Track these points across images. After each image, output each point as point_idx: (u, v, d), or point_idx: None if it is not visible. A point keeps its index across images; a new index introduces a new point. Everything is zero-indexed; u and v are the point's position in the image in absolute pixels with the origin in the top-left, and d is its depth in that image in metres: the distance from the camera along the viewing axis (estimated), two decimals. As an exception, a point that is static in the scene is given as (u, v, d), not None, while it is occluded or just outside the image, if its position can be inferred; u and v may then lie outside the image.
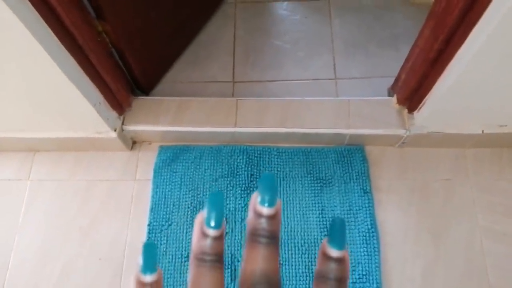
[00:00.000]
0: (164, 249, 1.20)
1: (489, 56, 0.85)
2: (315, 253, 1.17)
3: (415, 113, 1.18)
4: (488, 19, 0.78)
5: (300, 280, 1.14)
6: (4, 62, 0.91)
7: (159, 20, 1.26)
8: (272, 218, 0.24)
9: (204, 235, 0.25)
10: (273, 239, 0.24)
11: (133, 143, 1.36)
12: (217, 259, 0.25)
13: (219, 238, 0.25)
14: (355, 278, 1.13)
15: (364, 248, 1.17)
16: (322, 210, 1.22)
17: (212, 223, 0.24)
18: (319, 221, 1.21)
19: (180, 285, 1.15)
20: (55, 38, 0.88)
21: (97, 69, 1.07)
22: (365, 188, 1.24)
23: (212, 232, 0.24)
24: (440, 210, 1.21)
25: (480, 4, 0.78)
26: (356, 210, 1.22)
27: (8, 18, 0.76)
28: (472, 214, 1.20)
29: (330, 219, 0.25)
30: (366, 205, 1.22)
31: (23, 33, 0.80)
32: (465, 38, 0.85)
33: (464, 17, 0.83)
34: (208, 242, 0.24)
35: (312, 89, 1.40)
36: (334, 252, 0.23)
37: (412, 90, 1.12)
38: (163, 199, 1.26)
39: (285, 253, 1.17)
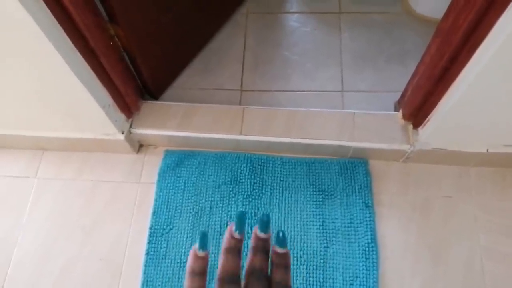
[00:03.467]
0: (164, 252, 1.21)
1: (493, 76, 0.86)
2: (314, 265, 1.17)
3: (419, 129, 1.18)
4: (493, 40, 0.78)
5: (297, 290, 1.14)
6: (17, 62, 0.94)
7: (171, 26, 1.28)
8: (266, 240, 0.38)
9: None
10: (266, 252, 0.38)
11: (140, 146, 1.38)
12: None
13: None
14: (353, 292, 1.13)
15: (363, 262, 1.16)
16: (323, 222, 1.23)
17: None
18: (320, 232, 1.21)
19: (177, 289, 1.16)
20: (68, 40, 0.91)
21: (107, 72, 1.10)
22: (367, 202, 1.24)
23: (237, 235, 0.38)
24: (441, 227, 1.20)
25: (485, 24, 0.78)
26: (357, 223, 1.22)
27: (23, 19, 0.78)
28: (473, 233, 1.19)
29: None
30: (367, 219, 1.22)
31: (37, 35, 0.82)
32: (470, 57, 0.86)
33: (469, 36, 0.84)
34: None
35: (318, 100, 1.41)
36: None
37: (417, 106, 1.12)
38: (166, 203, 1.28)
39: (283, 263, 1.17)
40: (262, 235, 0.37)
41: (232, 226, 0.38)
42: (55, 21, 0.86)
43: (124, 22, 1.07)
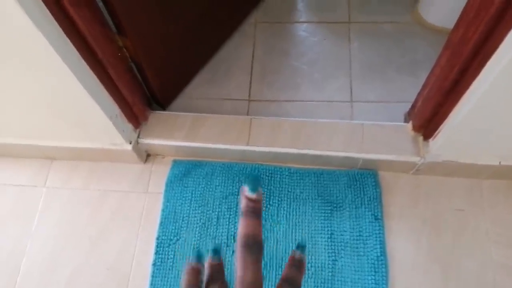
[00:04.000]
0: (171, 263, 1.20)
1: (504, 88, 0.84)
2: (322, 278, 1.15)
3: (430, 140, 1.16)
4: (503, 52, 0.77)
5: (304, 304, 1.12)
6: (25, 73, 0.94)
7: (179, 37, 1.29)
8: (257, 201, 0.34)
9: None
10: (258, 214, 0.34)
11: (147, 156, 1.38)
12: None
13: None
14: (361, 307, 1.11)
15: (372, 276, 1.14)
16: (331, 234, 1.21)
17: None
18: (328, 245, 1.20)
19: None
20: (76, 51, 0.91)
21: (115, 83, 1.10)
22: (376, 214, 1.22)
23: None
24: (452, 241, 1.18)
25: (495, 37, 0.77)
26: (366, 236, 1.20)
27: (31, 32, 0.79)
28: (485, 248, 1.16)
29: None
30: (377, 232, 1.20)
31: (44, 46, 0.83)
32: (480, 69, 0.84)
33: (480, 48, 0.82)
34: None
35: (327, 111, 1.40)
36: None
37: (428, 117, 1.10)
38: (173, 214, 1.27)
39: (290, 276, 1.16)
40: (252, 195, 0.33)
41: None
42: (63, 33, 0.86)
43: (131, 33, 1.07)
